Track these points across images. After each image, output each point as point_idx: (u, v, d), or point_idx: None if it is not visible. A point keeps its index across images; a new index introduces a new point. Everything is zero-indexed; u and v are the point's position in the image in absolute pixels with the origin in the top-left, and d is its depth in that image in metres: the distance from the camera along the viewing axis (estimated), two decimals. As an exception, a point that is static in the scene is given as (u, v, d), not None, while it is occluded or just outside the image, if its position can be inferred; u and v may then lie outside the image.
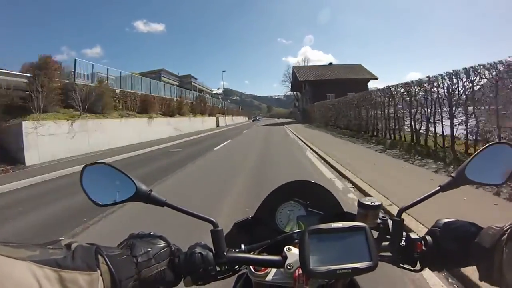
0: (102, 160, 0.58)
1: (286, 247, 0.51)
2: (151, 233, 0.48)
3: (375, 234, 0.55)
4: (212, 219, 0.50)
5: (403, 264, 0.51)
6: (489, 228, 0.44)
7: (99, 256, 0.35)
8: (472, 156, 0.52)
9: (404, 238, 0.51)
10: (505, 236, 0.40)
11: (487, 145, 0.52)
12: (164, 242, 0.47)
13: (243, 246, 0.54)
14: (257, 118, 62.33)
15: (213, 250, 0.49)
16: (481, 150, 0.52)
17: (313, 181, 0.71)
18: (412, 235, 0.51)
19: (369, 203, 0.56)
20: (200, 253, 0.47)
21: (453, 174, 0.52)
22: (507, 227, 0.41)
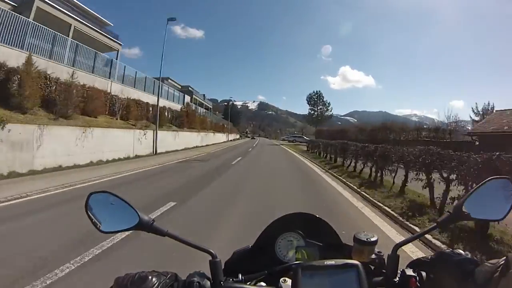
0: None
1: (282, 278, 0.54)
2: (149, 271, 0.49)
3: (371, 268, 0.55)
4: (211, 250, 0.54)
5: None
6: (484, 265, 0.44)
7: None
8: (471, 190, 0.51)
9: (399, 273, 0.51)
10: (497, 274, 0.41)
11: (487, 179, 0.50)
12: (164, 276, 0.48)
13: (240, 276, 0.57)
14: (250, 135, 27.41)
15: (211, 280, 0.52)
16: (480, 185, 0.50)
17: (314, 214, 0.72)
18: (407, 271, 0.51)
19: (365, 239, 0.56)
20: (198, 282, 0.50)
21: (450, 210, 0.51)
22: (500, 263, 0.42)
